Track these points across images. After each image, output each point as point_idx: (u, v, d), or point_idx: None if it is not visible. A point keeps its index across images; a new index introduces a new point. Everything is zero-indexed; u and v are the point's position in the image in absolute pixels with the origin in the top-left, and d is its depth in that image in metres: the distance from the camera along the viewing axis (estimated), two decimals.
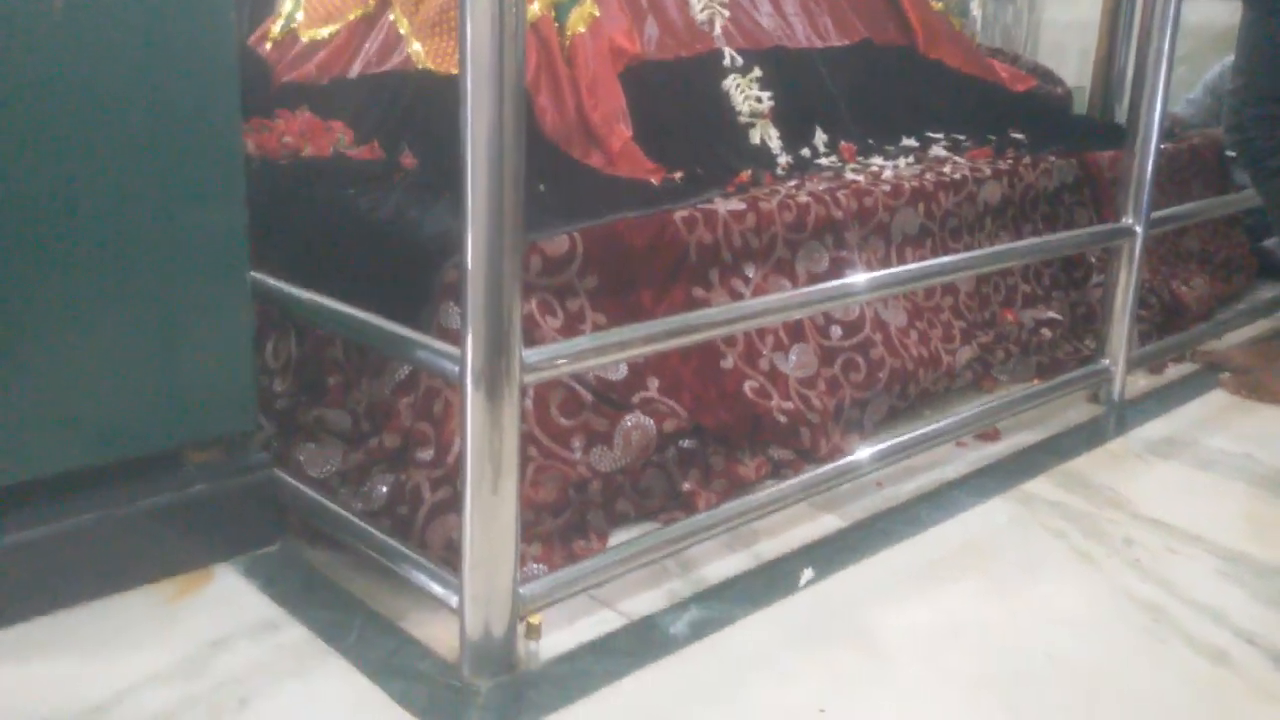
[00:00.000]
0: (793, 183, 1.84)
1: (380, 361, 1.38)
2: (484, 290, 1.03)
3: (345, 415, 1.40)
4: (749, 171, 1.86)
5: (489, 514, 1.06)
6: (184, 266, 1.23)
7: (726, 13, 2.13)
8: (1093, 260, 2.23)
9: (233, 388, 1.28)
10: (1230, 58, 3.08)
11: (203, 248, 1.24)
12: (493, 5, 0.96)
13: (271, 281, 1.38)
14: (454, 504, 1.27)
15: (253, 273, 1.30)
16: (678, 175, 1.78)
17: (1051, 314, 2.13)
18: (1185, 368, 2.22)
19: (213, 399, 1.27)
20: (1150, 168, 1.87)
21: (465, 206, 1.01)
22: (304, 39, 1.97)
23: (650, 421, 1.47)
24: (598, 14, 1.90)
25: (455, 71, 1.76)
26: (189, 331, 1.24)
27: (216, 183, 1.23)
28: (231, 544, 1.31)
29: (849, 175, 1.92)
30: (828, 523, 1.50)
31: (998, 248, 1.90)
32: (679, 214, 1.57)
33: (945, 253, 1.95)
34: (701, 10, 2.10)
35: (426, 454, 1.31)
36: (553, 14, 1.86)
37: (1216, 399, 2.06)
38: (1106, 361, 1.94)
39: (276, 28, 2.04)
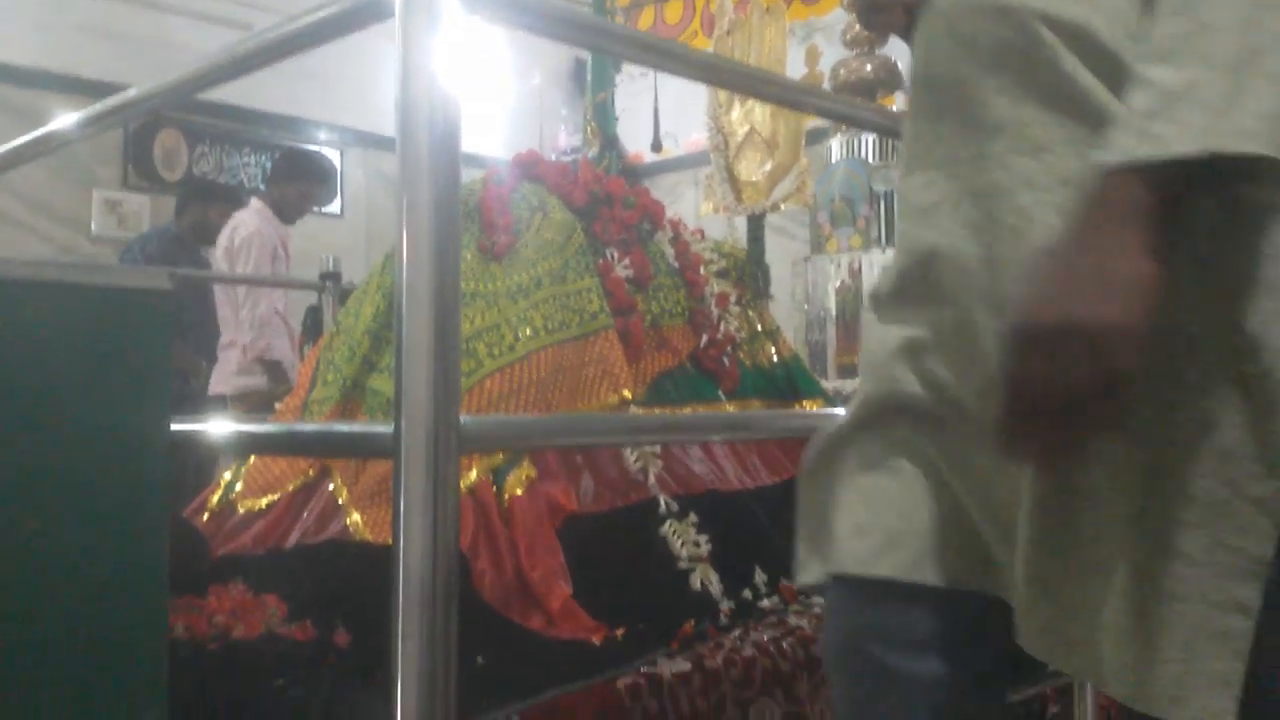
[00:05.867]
0: (736, 633, 1.82)
1: None
2: None
3: None
4: (691, 622, 1.84)
5: None
6: None
7: (660, 461, 2.20)
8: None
9: None
10: None
11: None
12: (427, 475, 0.97)
13: None
14: None
15: None
16: (620, 632, 1.76)
17: None
18: None
19: None
20: None
21: (395, 701, 0.97)
22: (241, 510, 1.98)
23: None
24: (534, 474, 1.95)
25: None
26: None
27: (138, 687, 1.17)
28: None
29: (792, 620, 1.91)
30: None
31: None
32: (623, 682, 1.53)
33: None
34: (636, 460, 2.18)
35: None
36: (490, 478, 1.91)
37: None
38: None
39: (215, 498, 2.06)
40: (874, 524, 0.98)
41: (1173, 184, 0.79)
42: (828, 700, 1.80)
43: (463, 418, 1.01)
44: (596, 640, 1.71)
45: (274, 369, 3.92)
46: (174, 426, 1.17)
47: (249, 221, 4.04)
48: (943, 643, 0.96)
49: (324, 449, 1.45)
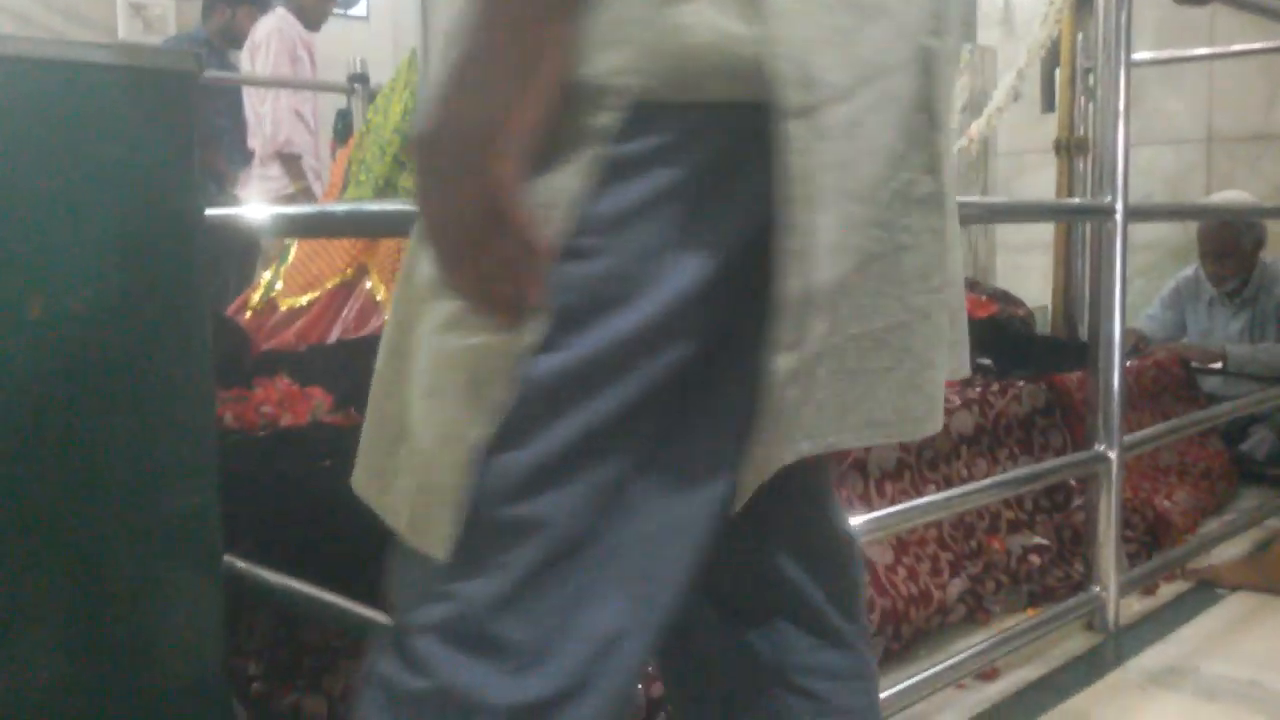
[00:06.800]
0: None
1: (356, 643, 1.34)
2: None
3: (322, 700, 1.35)
4: None
5: None
6: (153, 555, 1.20)
7: None
8: (1072, 483, 2.23)
9: (205, 682, 1.24)
10: (1186, 270, 3.20)
11: (174, 535, 1.22)
12: None
13: (245, 566, 1.36)
14: None
15: (227, 557, 1.28)
16: None
17: (1038, 539, 2.11)
18: (1178, 586, 2.19)
19: (183, 693, 1.22)
20: (1117, 392, 1.90)
21: None
22: (283, 307, 2.02)
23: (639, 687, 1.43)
24: None
25: None
26: (158, 624, 1.20)
27: (189, 467, 1.22)
28: None
29: None
30: None
31: (970, 486, 1.88)
32: None
33: (923, 483, 1.95)
34: None
35: None
36: None
37: (1213, 619, 2.02)
38: (1097, 589, 1.92)
39: (256, 296, 2.10)
40: None
41: None
42: (853, 486, 1.85)
43: None
44: None
45: (291, 163, 3.95)
46: (209, 212, 1.18)
47: (268, 21, 4.06)
48: None
49: (356, 229, 1.46)
